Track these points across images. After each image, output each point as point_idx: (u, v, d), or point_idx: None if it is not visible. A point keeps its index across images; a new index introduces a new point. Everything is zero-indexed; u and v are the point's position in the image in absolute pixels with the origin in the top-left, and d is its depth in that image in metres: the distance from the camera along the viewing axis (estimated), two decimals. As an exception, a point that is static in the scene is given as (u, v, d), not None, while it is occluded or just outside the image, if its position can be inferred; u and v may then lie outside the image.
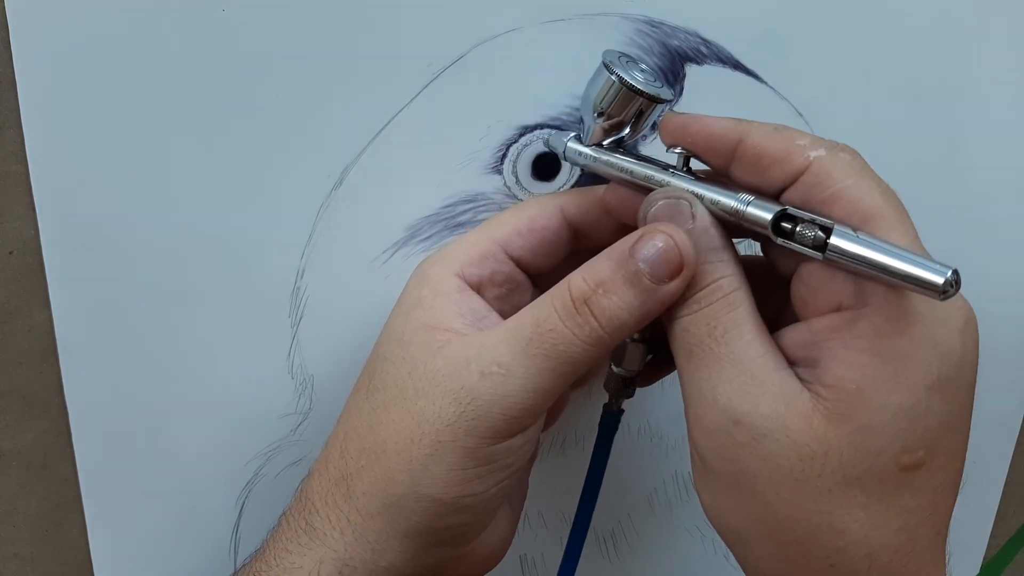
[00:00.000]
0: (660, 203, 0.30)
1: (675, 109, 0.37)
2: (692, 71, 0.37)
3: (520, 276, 0.34)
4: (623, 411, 0.36)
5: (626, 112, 0.32)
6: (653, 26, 0.36)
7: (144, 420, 0.37)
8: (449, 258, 0.33)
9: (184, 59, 0.32)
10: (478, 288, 0.33)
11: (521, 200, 0.37)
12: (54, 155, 0.33)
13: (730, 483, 0.29)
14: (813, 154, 0.28)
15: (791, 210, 0.28)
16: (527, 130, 0.36)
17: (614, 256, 0.30)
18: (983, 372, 0.44)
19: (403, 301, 0.33)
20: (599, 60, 0.32)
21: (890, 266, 0.26)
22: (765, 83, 0.37)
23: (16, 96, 0.32)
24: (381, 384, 0.32)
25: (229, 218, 0.35)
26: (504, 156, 0.36)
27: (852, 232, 0.27)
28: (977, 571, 0.49)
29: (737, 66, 0.37)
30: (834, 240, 0.27)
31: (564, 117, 0.36)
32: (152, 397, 0.36)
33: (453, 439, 0.30)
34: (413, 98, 0.35)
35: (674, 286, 0.29)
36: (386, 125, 0.35)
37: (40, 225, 0.33)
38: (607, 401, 0.36)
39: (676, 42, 0.36)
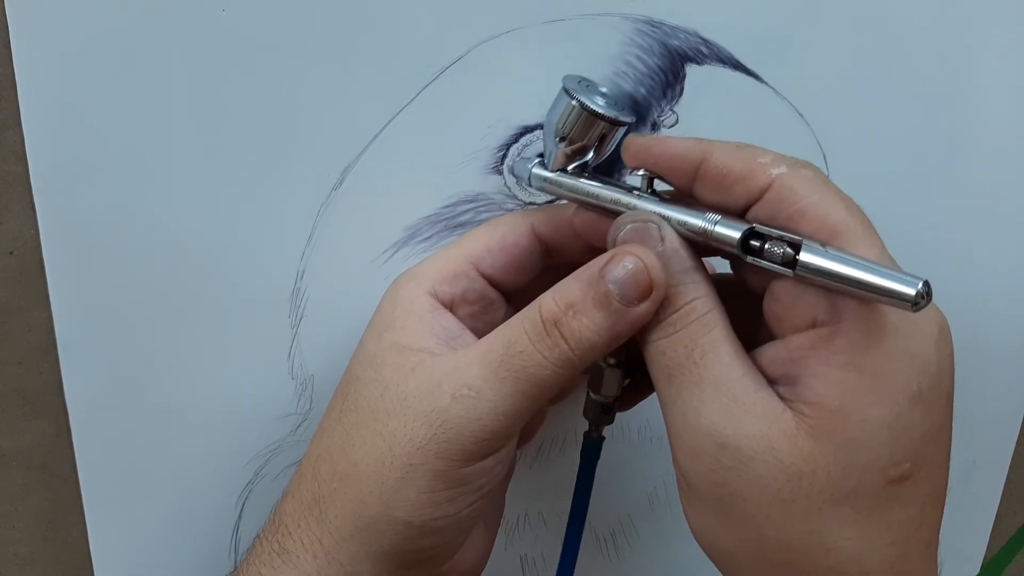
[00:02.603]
0: (628, 227, 0.30)
1: (675, 109, 0.37)
2: (692, 71, 0.37)
3: (493, 294, 0.34)
4: (604, 439, 0.36)
5: (588, 136, 0.32)
6: (653, 26, 0.36)
7: (144, 420, 0.37)
8: (421, 276, 0.33)
9: (184, 59, 0.32)
10: (451, 306, 0.33)
11: (521, 200, 0.37)
12: (54, 155, 0.33)
13: (718, 506, 0.29)
14: (775, 171, 0.28)
15: (759, 228, 0.28)
16: (527, 130, 0.36)
17: (584, 278, 0.30)
18: (983, 373, 0.44)
19: (376, 321, 0.33)
20: (559, 86, 0.32)
21: (861, 279, 0.26)
22: (765, 83, 0.37)
23: (16, 96, 0.32)
24: (353, 405, 0.32)
25: (229, 218, 0.35)
26: (504, 156, 0.36)
27: (821, 247, 0.27)
28: (977, 571, 0.49)
29: (737, 66, 0.37)
30: (803, 256, 0.27)
31: (564, 117, 0.36)
32: (152, 397, 0.36)
33: (424, 462, 0.30)
34: (413, 98, 0.35)
35: (644, 308, 0.29)
36: (386, 125, 0.35)
37: (40, 225, 0.33)
38: (587, 430, 0.35)
39: (676, 42, 0.36)
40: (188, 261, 0.35)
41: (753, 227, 0.28)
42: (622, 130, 0.33)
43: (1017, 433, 0.46)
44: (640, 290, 0.29)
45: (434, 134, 0.35)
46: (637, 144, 0.31)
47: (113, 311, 0.35)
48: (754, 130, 0.38)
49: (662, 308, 0.29)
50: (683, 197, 0.31)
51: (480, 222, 0.37)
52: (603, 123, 0.32)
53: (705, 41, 0.36)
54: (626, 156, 0.31)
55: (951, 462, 0.30)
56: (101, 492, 0.37)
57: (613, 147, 0.33)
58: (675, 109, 0.37)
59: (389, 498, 0.30)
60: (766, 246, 0.28)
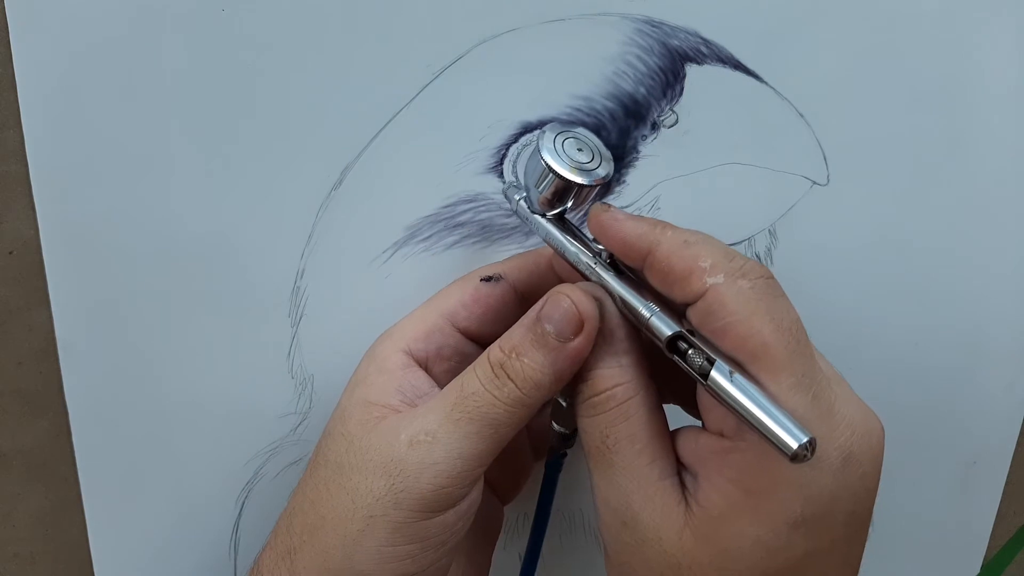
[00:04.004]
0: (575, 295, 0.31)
1: (675, 109, 0.37)
2: (692, 71, 0.37)
3: (469, 348, 0.34)
4: (566, 454, 0.37)
5: (563, 194, 0.33)
6: (653, 26, 0.36)
7: (144, 420, 0.37)
8: (398, 335, 0.34)
9: (184, 59, 0.32)
10: (426, 363, 0.34)
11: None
12: (54, 155, 0.33)
13: (621, 573, 0.31)
14: (711, 281, 0.29)
15: (686, 335, 0.29)
16: (527, 130, 0.36)
17: (525, 323, 0.31)
18: (983, 373, 0.44)
19: (352, 377, 0.34)
20: (540, 136, 0.33)
21: (753, 417, 0.27)
22: (765, 83, 0.37)
23: (16, 96, 0.32)
24: (323, 460, 0.32)
25: (229, 218, 0.35)
26: (504, 156, 0.36)
27: (728, 372, 0.28)
28: (977, 571, 0.49)
29: (737, 66, 0.37)
30: (713, 375, 0.28)
31: (564, 117, 0.36)
32: (152, 397, 0.36)
33: (384, 513, 0.30)
34: (413, 98, 0.35)
35: (579, 342, 0.30)
36: (386, 125, 0.35)
37: (40, 225, 0.33)
38: (551, 446, 0.36)
39: (676, 42, 0.36)
40: (188, 261, 0.35)
41: (682, 332, 0.29)
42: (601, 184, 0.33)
43: (1017, 433, 0.46)
44: (572, 325, 0.30)
45: (434, 134, 0.35)
46: (595, 221, 0.32)
47: (113, 311, 0.35)
48: (754, 130, 0.38)
49: (587, 387, 0.31)
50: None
51: (479, 222, 0.37)
52: (575, 186, 0.33)
53: (705, 41, 0.36)
54: (589, 227, 0.32)
55: (951, 463, 0.30)
56: (101, 492, 0.37)
57: (591, 199, 0.34)
58: (675, 109, 0.37)
59: (351, 551, 0.31)
60: (689, 352, 0.29)
